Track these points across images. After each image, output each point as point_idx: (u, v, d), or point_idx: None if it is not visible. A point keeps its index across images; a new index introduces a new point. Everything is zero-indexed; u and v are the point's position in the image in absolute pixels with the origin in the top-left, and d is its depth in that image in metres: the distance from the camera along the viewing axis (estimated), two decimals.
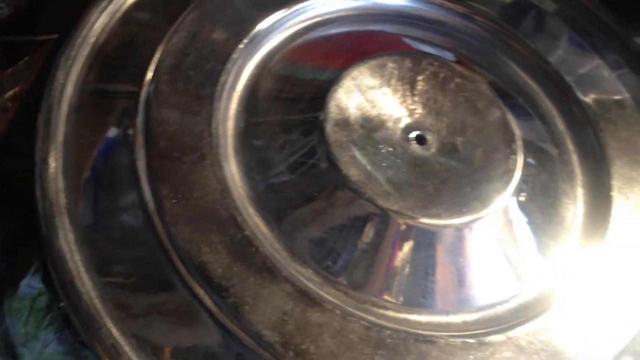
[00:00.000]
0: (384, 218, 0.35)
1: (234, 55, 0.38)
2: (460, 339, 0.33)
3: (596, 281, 0.36)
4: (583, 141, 0.42)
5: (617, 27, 0.48)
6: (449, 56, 0.44)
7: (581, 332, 0.34)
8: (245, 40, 0.39)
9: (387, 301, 0.34)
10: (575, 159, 0.41)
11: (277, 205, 0.36)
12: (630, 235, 0.38)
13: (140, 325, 0.33)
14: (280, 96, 0.39)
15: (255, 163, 0.37)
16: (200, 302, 0.32)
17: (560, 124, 0.43)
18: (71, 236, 0.33)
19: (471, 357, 0.33)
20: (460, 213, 0.36)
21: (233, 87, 0.38)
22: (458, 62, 0.44)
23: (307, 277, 0.34)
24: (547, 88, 0.44)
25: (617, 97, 0.44)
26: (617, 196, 0.39)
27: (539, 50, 0.45)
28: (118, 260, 0.34)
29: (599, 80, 0.45)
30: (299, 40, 0.41)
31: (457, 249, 0.36)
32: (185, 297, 0.33)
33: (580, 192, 0.40)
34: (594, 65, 0.46)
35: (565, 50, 0.46)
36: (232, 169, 0.36)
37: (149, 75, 0.37)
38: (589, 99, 0.43)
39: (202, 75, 0.37)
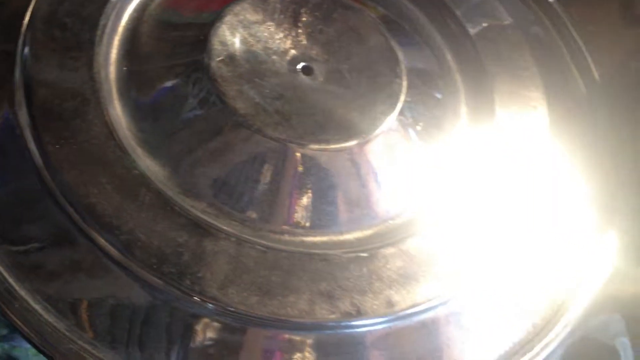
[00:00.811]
0: (274, 147, 0.35)
1: (112, 0, 0.38)
2: (354, 254, 0.34)
3: (483, 193, 0.38)
4: (466, 62, 0.43)
5: None
6: None
7: (468, 239, 0.36)
8: None
9: (283, 227, 0.35)
10: (459, 79, 0.42)
11: (167, 145, 0.36)
12: (513, 147, 0.40)
13: (41, 278, 0.33)
14: (164, 38, 0.39)
15: (142, 106, 0.37)
16: (95, 243, 0.32)
17: (445, 49, 0.44)
18: None
19: (364, 269, 0.34)
20: (348, 137, 0.36)
21: (114, 31, 0.38)
22: None
23: (201, 210, 0.34)
24: (431, 15, 0.45)
25: (498, 19, 0.45)
26: (499, 110, 0.41)
27: None
28: (11, 219, 0.34)
29: (481, 4, 0.46)
30: None
31: (348, 171, 0.37)
32: (82, 242, 0.33)
33: (464, 109, 0.41)
34: None
35: None
36: (118, 113, 0.36)
37: (24, 27, 0.36)
38: (471, 22, 0.44)
39: (79, 22, 0.37)
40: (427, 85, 0.41)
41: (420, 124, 0.39)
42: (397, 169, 0.38)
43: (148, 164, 0.35)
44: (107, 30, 0.37)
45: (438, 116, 0.40)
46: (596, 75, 0.44)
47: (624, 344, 0.57)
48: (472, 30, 0.44)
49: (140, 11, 0.39)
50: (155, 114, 0.36)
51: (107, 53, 0.37)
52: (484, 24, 0.44)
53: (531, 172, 0.39)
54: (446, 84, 0.42)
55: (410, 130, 0.39)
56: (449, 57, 0.44)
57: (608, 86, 0.43)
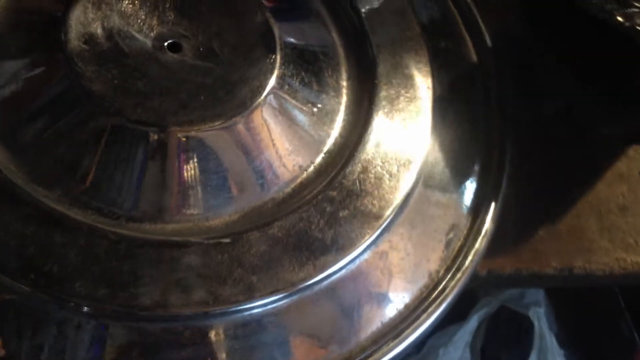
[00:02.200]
0: (132, 130, 0.34)
1: None
2: (216, 240, 0.33)
3: (360, 167, 0.37)
4: (351, 35, 0.41)
5: None
6: None
7: (338, 219, 0.35)
8: None
9: (143, 214, 0.34)
10: (342, 53, 0.41)
11: (18, 131, 0.34)
12: (394, 119, 0.38)
13: None
14: (19, 16, 0.37)
15: None
16: None
17: (330, 22, 0.42)
18: None
19: (226, 256, 0.32)
20: (214, 117, 0.35)
21: None
22: None
23: (54, 200, 0.33)
24: None
25: None
26: (382, 85, 0.39)
27: None
28: None
29: None
30: None
31: (213, 154, 0.35)
32: None
33: (344, 84, 0.40)
34: None
35: None
36: None
37: None
38: None
39: None
40: (306, 59, 0.39)
41: (298, 99, 0.38)
42: (268, 150, 0.36)
43: None
44: None
45: (318, 91, 0.39)
46: (489, 41, 0.42)
47: (537, 314, 0.57)
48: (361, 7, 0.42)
49: None
50: (7, 99, 0.35)
51: None
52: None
53: (415, 146, 0.38)
54: (328, 58, 0.40)
55: (284, 107, 0.37)
56: (333, 30, 0.42)
57: (498, 51, 0.42)
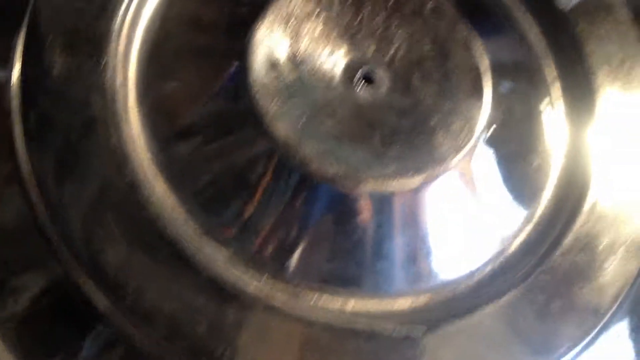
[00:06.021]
0: (319, 186, 0.29)
1: None
2: (408, 327, 0.28)
3: (577, 243, 0.31)
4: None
5: None
6: None
7: (549, 314, 0.29)
8: None
9: (321, 287, 0.29)
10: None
11: (192, 173, 0.30)
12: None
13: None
14: (197, 28, 0.32)
15: (163, 123, 0.30)
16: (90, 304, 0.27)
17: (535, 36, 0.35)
18: None
19: (418, 350, 0.27)
20: (413, 172, 0.29)
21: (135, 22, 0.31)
22: None
23: (224, 260, 0.28)
24: None
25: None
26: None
27: None
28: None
29: None
30: None
31: (409, 215, 0.30)
32: (78, 298, 0.28)
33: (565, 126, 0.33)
34: None
35: None
36: (134, 131, 0.30)
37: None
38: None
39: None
40: (519, 100, 0.33)
41: (506, 152, 0.32)
42: (467, 215, 0.31)
43: (166, 198, 0.29)
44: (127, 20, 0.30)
45: (529, 142, 0.32)
46: None
47: None
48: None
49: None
50: (177, 133, 0.30)
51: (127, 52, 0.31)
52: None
53: None
54: (542, 99, 0.34)
55: (491, 163, 0.31)
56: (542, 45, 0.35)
57: None
